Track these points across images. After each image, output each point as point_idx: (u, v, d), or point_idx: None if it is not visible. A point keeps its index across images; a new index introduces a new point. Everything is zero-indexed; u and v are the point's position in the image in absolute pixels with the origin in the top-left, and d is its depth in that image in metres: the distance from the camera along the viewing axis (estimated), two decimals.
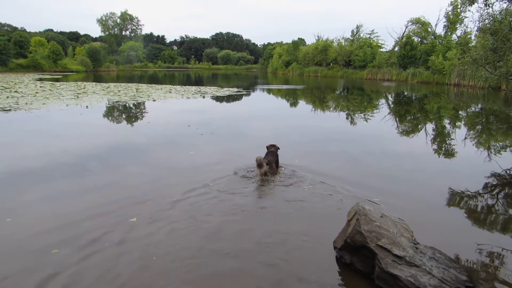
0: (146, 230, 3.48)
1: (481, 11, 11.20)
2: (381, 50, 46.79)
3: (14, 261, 2.95)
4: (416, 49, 37.32)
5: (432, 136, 8.87)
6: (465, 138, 8.61)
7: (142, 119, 10.78)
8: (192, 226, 3.56)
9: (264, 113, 12.56)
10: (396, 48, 42.48)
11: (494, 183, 5.22)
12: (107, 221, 3.64)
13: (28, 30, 68.44)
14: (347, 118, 11.94)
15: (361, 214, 3.02)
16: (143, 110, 12.90)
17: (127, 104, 13.89)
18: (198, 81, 38.43)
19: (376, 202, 4.23)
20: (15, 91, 17.95)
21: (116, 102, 14.44)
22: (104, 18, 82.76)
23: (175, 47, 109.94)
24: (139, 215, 3.80)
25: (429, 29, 39.05)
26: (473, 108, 15.40)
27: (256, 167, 4.84)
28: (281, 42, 79.09)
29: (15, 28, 66.96)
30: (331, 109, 14.78)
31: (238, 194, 4.39)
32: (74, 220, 3.67)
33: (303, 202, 4.20)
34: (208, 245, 3.20)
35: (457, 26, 35.29)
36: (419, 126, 10.57)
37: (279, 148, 5.40)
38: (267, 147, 5.39)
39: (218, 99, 17.29)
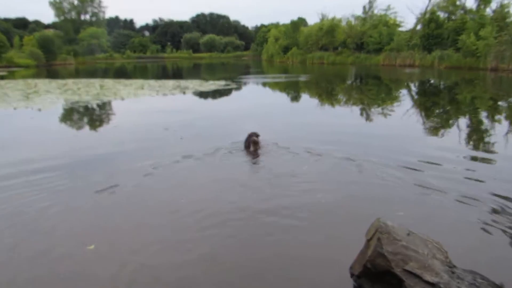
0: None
1: None
2: (400, 29, 47.42)
3: None
4: (443, 27, 37.81)
5: (466, 134, 8.93)
6: (507, 134, 8.68)
7: (108, 123, 10.75)
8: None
9: (259, 111, 12.59)
10: (419, 27, 43.00)
11: None
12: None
13: None
14: (361, 114, 12.00)
15: (382, 232, 3.01)
16: (109, 112, 12.84)
17: (89, 105, 13.84)
18: (177, 74, 38.45)
19: (400, 216, 4.24)
20: None
21: (76, 102, 14.37)
22: (58, 0, 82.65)
23: (146, 33, 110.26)
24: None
25: (458, 2, 39.58)
26: None
27: (252, 144, 6.93)
28: (277, 23, 79.64)
29: None
30: (342, 103, 14.85)
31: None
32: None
33: (313, 218, 4.21)
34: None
35: None
36: (450, 121, 10.65)
37: (259, 135, 7.17)
38: (249, 134, 7.16)
39: (202, 95, 17.28)
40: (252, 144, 7.00)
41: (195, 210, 4.49)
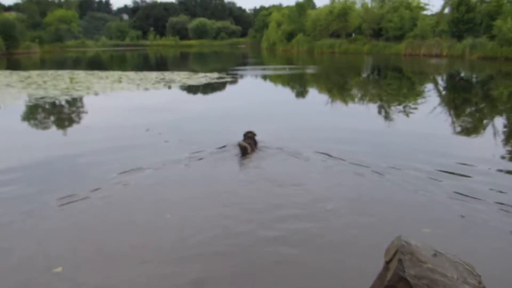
0: None
1: None
2: (425, 13, 47.61)
3: None
4: (475, 11, 37.99)
5: (503, 136, 8.95)
6: None
7: (78, 122, 10.75)
8: None
9: (259, 109, 12.64)
10: (446, 10, 43.19)
11: None
12: None
13: None
14: (379, 112, 12.03)
15: (404, 252, 3.00)
16: (81, 109, 12.84)
17: (56, 101, 13.84)
18: (161, 64, 38.52)
19: (425, 233, 4.25)
20: None
21: (41, 98, 14.35)
22: None
23: (125, 17, 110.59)
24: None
25: None
26: None
27: (240, 150, 6.97)
28: (280, 5, 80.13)
29: None
30: (356, 100, 14.88)
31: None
32: None
33: (321, 235, 4.21)
34: None
35: None
36: (484, 121, 10.67)
37: (256, 135, 7.48)
38: (244, 134, 7.44)
39: (191, 90, 17.30)
40: (240, 150, 7.01)
41: (183, 230, 4.47)
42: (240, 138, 7.42)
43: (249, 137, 7.45)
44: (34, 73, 24.68)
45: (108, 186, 5.65)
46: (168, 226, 4.55)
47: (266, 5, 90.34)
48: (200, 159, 6.88)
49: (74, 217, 4.76)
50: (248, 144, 7.13)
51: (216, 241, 4.17)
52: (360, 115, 11.74)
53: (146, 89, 16.77)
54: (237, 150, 7.13)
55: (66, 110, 12.74)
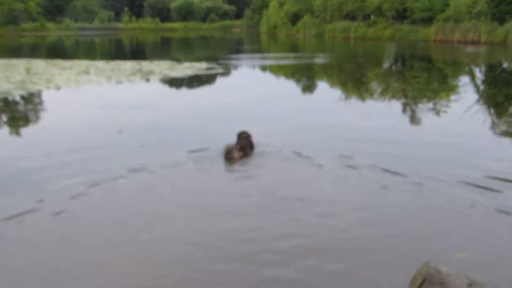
0: None
1: None
2: None
3: None
4: None
5: None
6: None
7: (35, 123, 10.77)
8: None
9: (258, 107, 12.66)
10: None
11: None
12: None
13: None
14: (404, 111, 12.02)
15: (433, 282, 2.98)
16: (39, 107, 12.83)
17: (9, 97, 13.84)
18: (137, 52, 38.65)
19: (460, 258, 4.22)
20: None
21: None
22: None
23: None
24: None
25: None
26: None
27: (226, 159, 7.07)
28: None
29: None
30: (376, 96, 14.88)
31: None
32: None
33: (334, 260, 4.17)
34: None
35: None
36: None
37: (251, 136, 7.66)
38: (238, 135, 7.60)
39: (174, 83, 17.34)
40: (226, 159, 7.08)
41: (162, 254, 4.43)
42: (231, 138, 7.46)
43: (245, 138, 7.53)
44: None
45: (69, 200, 5.62)
46: (144, 248, 4.51)
47: None
48: (183, 166, 6.88)
49: (17, 233, 4.75)
50: (242, 148, 7.20)
51: (208, 263, 4.16)
52: (380, 113, 11.73)
53: (119, 82, 16.75)
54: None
55: (20, 107, 12.71)
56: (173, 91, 16.37)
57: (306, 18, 59.92)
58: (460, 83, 17.66)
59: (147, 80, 17.46)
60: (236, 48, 42.13)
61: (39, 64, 23.41)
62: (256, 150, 7.53)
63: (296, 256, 4.33)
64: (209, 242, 4.62)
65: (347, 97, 14.69)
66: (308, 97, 15.34)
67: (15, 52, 35.18)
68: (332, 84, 18.61)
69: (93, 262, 4.29)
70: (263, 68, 24.39)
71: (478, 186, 6.02)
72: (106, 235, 4.82)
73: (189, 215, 5.34)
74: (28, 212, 5.26)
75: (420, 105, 12.79)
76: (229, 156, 7.01)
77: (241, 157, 7.12)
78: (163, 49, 42.80)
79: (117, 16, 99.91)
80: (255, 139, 7.68)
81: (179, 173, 6.69)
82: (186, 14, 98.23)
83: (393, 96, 14.75)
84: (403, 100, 13.92)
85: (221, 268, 4.13)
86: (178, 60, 26.58)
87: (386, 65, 26.09)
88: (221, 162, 7.14)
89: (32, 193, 5.87)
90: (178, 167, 6.91)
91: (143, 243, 4.65)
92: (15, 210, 5.29)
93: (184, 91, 16.47)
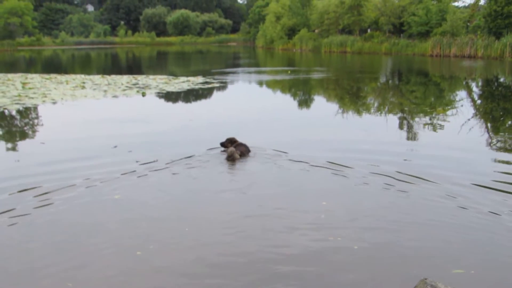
0: None
1: None
2: (456, 5, 48.22)
3: None
4: None
5: None
6: None
7: (32, 137, 10.77)
8: None
9: (257, 119, 12.73)
10: (482, 2, 43.77)
11: None
12: None
13: None
14: (401, 126, 12.04)
15: None
16: (35, 121, 12.82)
17: (5, 111, 13.82)
18: (133, 66, 38.66)
19: (459, 274, 4.20)
20: None
21: None
22: None
23: (90, 8, 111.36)
24: None
25: None
26: None
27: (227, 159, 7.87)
28: None
29: None
30: (373, 110, 14.91)
31: None
32: None
33: (331, 275, 4.15)
34: None
35: None
36: None
37: (236, 141, 8.42)
38: (225, 144, 8.50)
39: (170, 98, 17.37)
40: (228, 160, 7.96)
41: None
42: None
43: (239, 144, 8.40)
44: None
45: (61, 209, 5.63)
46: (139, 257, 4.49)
47: None
48: (178, 177, 6.92)
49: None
50: (241, 153, 8.16)
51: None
52: (377, 127, 11.74)
53: (115, 96, 16.77)
54: (223, 166, 7.60)
55: (16, 122, 12.67)
56: (169, 105, 16.34)
57: (302, 32, 60.14)
58: (457, 98, 17.72)
59: (143, 94, 17.44)
60: (232, 62, 42.19)
61: (35, 78, 23.43)
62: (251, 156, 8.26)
63: (285, 266, 4.32)
64: (203, 253, 4.62)
65: (344, 111, 14.71)
66: (305, 111, 15.35)
67: (11, 66, 35.20)
68: (328, 98, 18.64)
69: (84, 268, 4.31)
70: (260, 82, 24.41)
71: (475, 200, 6.01)
72: (99, 244, 4.82)
73: (183, 223, 5.39)
74: (21, 217, 5.32)
75: (416, 119, 12.80)
76: (231, 158, 7.89)
77: (240, 157, 8.04)
78: (159, 63, 42.84)
79: (113, 30, 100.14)
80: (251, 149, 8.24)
81: (174, 183, 6.78)
82: (182, 28, 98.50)
83: (390, 110, 14.78)
84: (399, 114, 13.94)
85: (216, 276, 4.12)
86: (174, 74, 26.60)
87: (382, 79, 26.17)
88: (214, 172, 7.24)
89: (24, 201, 5.93)
90: (174, 178, 7.02)
91: (140, 251, 4.64)
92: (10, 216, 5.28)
93: (180, 105, 16.43)
